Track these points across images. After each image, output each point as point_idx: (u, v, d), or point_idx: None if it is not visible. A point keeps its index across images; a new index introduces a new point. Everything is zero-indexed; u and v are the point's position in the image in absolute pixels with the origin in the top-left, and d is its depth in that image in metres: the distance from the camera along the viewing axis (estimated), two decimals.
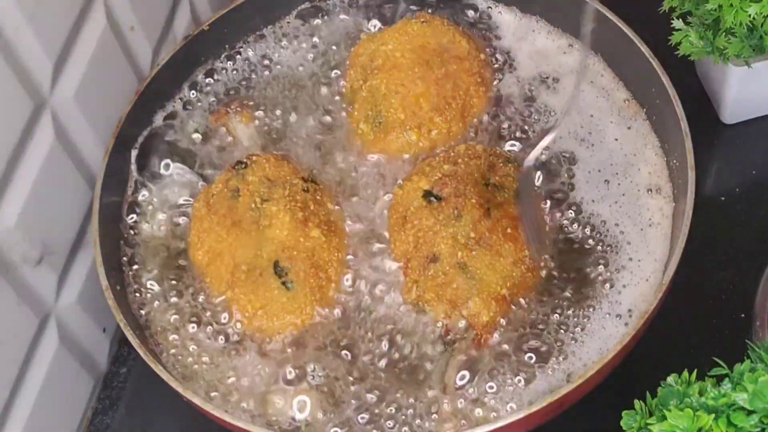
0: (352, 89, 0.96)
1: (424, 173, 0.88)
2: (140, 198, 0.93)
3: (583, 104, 0.94)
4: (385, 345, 0.84)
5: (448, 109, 0.92)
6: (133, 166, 0.94)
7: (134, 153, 0.94)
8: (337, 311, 0.86)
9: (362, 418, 0.81)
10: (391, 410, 0.81)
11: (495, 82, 0.96)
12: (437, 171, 0.88)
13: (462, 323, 0.83)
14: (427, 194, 0.86)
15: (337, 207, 0.90)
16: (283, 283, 0.84)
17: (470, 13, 1.00)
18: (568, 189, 0.90)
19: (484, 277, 0.83)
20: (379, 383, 0.83)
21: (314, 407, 0.82)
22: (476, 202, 0.85)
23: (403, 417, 0.81)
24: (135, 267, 0.89)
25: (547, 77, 0.96)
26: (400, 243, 0.87)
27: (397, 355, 0.84)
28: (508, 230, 0.85)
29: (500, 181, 0.88)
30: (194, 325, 0.86)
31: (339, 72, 0.99)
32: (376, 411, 0.82)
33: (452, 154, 0.90)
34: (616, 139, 0.92)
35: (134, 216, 0.92)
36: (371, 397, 0.82)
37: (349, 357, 0.84)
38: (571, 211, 0.89)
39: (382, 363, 0.83)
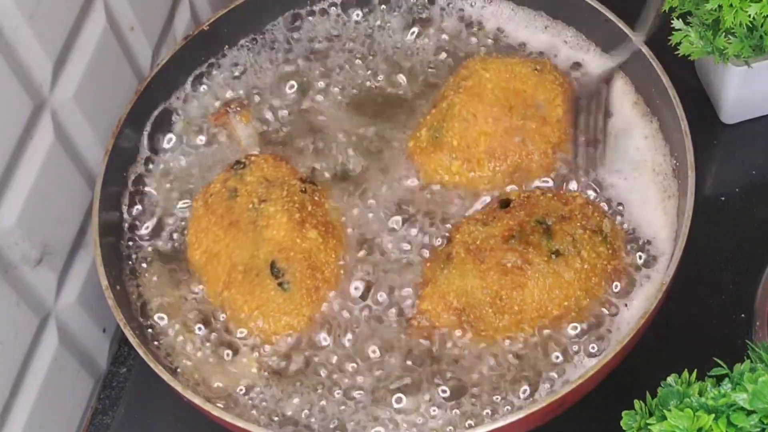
0: (443, 95, 0.93)
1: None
2: (140, 197, 0.93)
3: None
4: None
5: (502, 161, 0.89)
6: (133, 166, 0.94)
7: (134, 153, 0.94)
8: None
9: None
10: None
11: (562, 158, 0.91)
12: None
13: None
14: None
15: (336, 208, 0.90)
16: (280, 284, 0.84)
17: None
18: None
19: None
20: None
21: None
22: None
23: None
24: (135, 267, 0.89)
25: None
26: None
27: None
28: None
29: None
30: (192, 324, 0.86)
31: (337, 71, 0.99)
32: None
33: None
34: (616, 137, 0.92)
35: (134, 215, 0.92)
36: None
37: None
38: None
39: None
